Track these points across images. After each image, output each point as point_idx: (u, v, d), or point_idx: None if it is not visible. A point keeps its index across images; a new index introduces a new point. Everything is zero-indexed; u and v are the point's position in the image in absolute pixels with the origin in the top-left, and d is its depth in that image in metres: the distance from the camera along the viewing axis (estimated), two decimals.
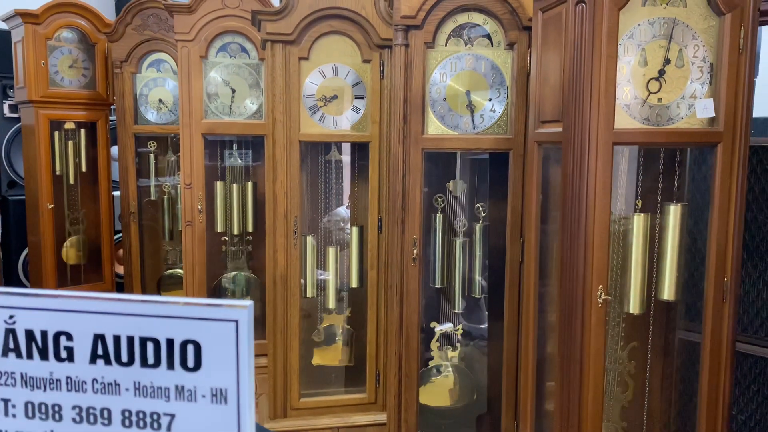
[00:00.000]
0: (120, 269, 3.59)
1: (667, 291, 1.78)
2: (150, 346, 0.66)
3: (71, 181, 3.42)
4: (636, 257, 1.77)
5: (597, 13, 1.55)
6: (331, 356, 2.65)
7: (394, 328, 2.19)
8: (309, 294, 2.55)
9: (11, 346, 0.69)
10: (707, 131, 1.65)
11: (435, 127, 2.09)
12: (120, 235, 3.48)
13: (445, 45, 2.06)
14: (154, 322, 0.65)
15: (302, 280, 2.50)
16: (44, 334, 0.68)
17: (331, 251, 2.56)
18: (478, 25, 2.07)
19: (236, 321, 0.63)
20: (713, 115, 1.64)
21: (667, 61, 1.62)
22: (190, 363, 0.66)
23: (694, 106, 1.64)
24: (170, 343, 0.66)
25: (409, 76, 2.05)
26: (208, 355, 0.65)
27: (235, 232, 2.94)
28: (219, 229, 2.90)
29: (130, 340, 0.66)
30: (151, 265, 3.36)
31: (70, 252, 3.46)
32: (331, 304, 2.60)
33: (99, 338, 0.67)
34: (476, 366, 2.46)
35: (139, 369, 0.67)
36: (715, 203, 1.66)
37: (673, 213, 1.76)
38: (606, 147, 1.59)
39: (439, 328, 2.37)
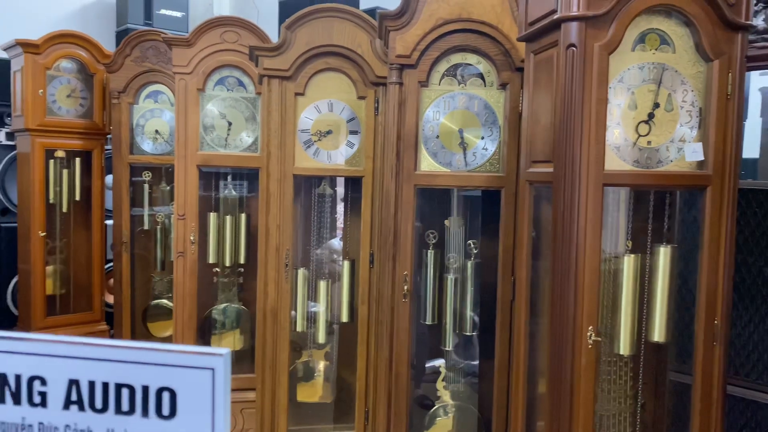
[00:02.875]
0: (110, 299, 3.56)
1: (658, 333, 1.77)
2: (125, 392, 0.65)
3: (64, 210, 3.42)
4: (626, 298, 1.76)
5: (587, 57, 1.58)
6: (311, 392, 2.61)
7: (383, 365, 2.17)
8: (299, 328, 2.54)
9: None
10: (696, 174, 1.66)
11: (428, 164, 2.10)
12: (111, 264, 3.46)
13: (439, 84, 2.09)
14: (130, 368, 0.64)
15: (293, 313, 2.48)
16: (18, 378, 0.67)
17: (322, 285, 2.55)
18: (472, 65, 2.11)
19: (213, 369, 0.62)
20: (702, 158, 1.65)
21: (656, 105, 1.65)
22: (165, 411, 0.65)
23: (684, 150, 1.65)
24: (146, 390, 0.65)
25: (402, 114, 2.07)
26: (183, 403, 0.64)
27: (227, 263, 2.93)
28: (211, 260, 2.89)
29: (105, 386, 0.65)
30: (142, 295, 3.34)
31: (56, 281, 3.43)
32: (321, 338, 2.58)
33: (74, 383, 0.66)
34: (468, 403, 2.43)
35: (114, 416, 0.66)
36: (705, 245, 1.66)
37: (663, 254, 1.77)
38: (596, 188, 1.60)
39: (430, 364, 2.35)
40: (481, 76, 2.11)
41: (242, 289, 3.02)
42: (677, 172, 1.66)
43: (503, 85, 2.10)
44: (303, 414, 2.59)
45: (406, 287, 2.11)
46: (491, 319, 2.21)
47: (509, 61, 2.09)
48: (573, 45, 1.60)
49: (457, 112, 2.10)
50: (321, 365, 2.61)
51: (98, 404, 0.66)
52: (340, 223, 2.70)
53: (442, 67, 2.09)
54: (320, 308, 2.55)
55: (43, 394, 0.67)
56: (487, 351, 2.30)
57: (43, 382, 0.67)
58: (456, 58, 2.09)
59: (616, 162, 1.63)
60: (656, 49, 1.64)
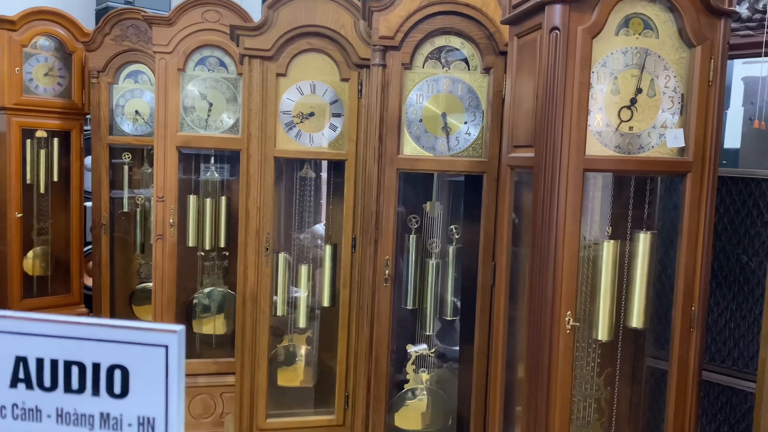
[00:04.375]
0: (89, 281, 3.52)
1: (636, 319, 1.78)
2: (75, 370, 0.63)
3: (41, 191, 3.36)
4: (605, 284, 1.76)
5: (570, 41, 1.57)
6: (292, 377, 2.60)
7: (364, 350, 2.16)
8: (280, 312, 2.52)
9: None
10: (677, 161, 1.66)
11: (410, 148, 2.08)
12: (90, 246, 3.41)
13: (423, 67, 2.07)
14: (80, 345, 0.62)
15: (274, 298, 2.47)
16: None
17: (304, 269, 2.54)
18: (456, 49, 2.09)
19: (166, 346, 0.60)
20: (683, 144, 1.65)
21: (638, 90, 1.64)
22: (117, 389, 0.63)
23: (665, 136, 1.65)
24: (96, 367, 0.63)
25: (386, 97, 2.05)
26: (135, 382, 0.62)
27: (207, 247, 2.90)
28: (191, 243, 2.86)
29: (54, 363, 0.63)
30: (122, 278, 3.30)
31: (35, 262, 3.38)
32: (302, 323, 2.56)
33: (21, 361, 0.64)
34: (448, 388, 2.43)
35: (63, 394, 0.64)
36: (684, 232, 1.67)
37: (643, 241, 1.77)
38: (577, 173, 1.60)
39: (414, 350, 2.35)
40: (465, 60, 2.09)
41: (228, 272, 2.99)
42: (658, 158, 1.66)
43: (487, 69, 2.08)
44: (283, 398, 2.58)
45: (387, 272, 2.10)
46: (472, 303, 2.21)
47: (493, 44, 2.07)
48: (556, 28, 1.58)
49: (440, 96, 2.08)
50: (302, 350, 2.60)
51: (47, 382, 0.64)
52: (324, 207, 2.67)
53: (426, 49, 2.06)
54: (301, 293, 2.53)
55: None
56: (468, 336, 2.30)
57: None
58: (440, 41, 2.06)
59: (597, 147, 1.63)
60: (640, 34, 1.62)
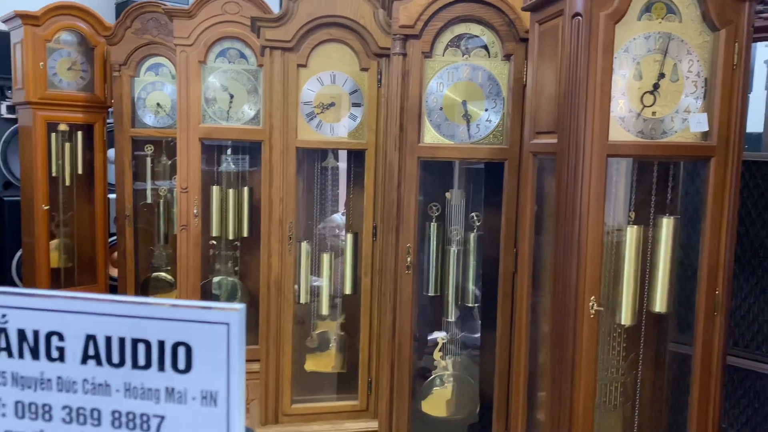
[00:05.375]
0: (114, 272, 3.58)
1: (659, 303, 1.79)
2: (141, 347, 0.67)
3: (67, 183, 3.42)
4: (628, 269, 1.78)
5: (593, 27, 1.57)
6: (324, 362, 2.65)
7: (386, 336, 2.19)
8: (303, 300, 2.55)
9: (3, 345, 0.70)
10: (701, 145, 1.66)
11: (431, 136, 2.10)
12: (114, 237, 3.47)
13: (443, 55, 2.08)
14: (146, 323, 0.65)
15: (296, 286, 2.50)
16: (36, 333, 0.69)
17: (326, 257, 2.57)
18: (476, 36, 2.09)
19: (227, 324, 0.64)
20: (707, 129, 1.65)
21: (661, 75, 1.64)
22: (181, 365, 0.67)
23: (688, 120, 1.65)
24: (161, 344, 0.66)
25: (406, 85, 2.06)
26: (198, 358, 0.66)
27: (230, 236, 2.94)
28: (214, 233, 2.90)
29: (122, 341, 0.67)
30: (145, 268, 3.35)
31: (60, 254, 3.45)
32: (325, 310, 2.60)
33: (91, 339, 0.67)
34: (469, 375, 2.46)
35: (130, 370, 0.68)
36: (708, 217, 1.67)
37: (666, 226, 1.77)
38: (600, 159, 1.60)
39: (440, 336, 2.37)
40: (485, 47, 2.09)
41: (239, 262, 3.03)
42: (681, 142, 1.66)
43: (507, 56, 2.08)
44: (306, 384, 2.62)
45: (409, 259, 2.12)
46: (493, 291, 2.23)
47: (513, 31, 2.07)
48: (578, 14, 1.59)
49: (460, 84, 2.09)
50: (334, 336, 2.64)
51: (115, 359, 0.68)
52: (343, 197, 2.70)
53: (446, 37, 2.07)
54: (323, 281, 2.57)
55: (60, 350, 0.69)
56: (489, 322, 2.32)
57: (61, 337, 0.68)
58: (460, 29, 2.07)
59: (620, 133, 1.63)
60: (662, 19, 1.62)
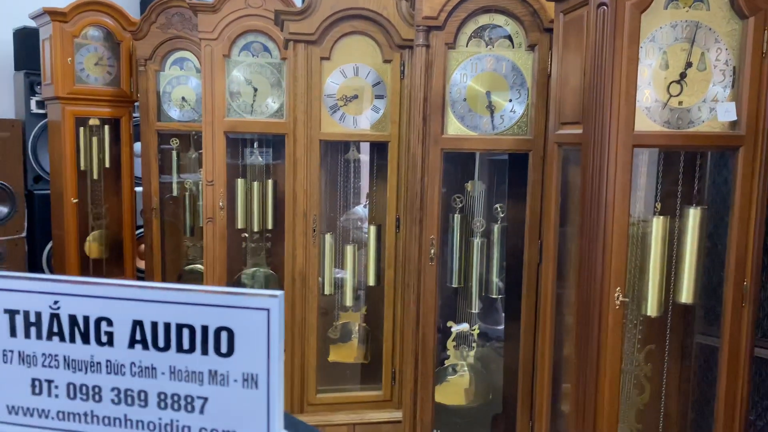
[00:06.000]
0: (141, 264, 3.65)
1: (685, 294, 1.78)
2: (186, 332, 0.70)
3: (95, 177, 3.49)
4: (654, 260, 1.77)
5: (618, 16, 1.56)
6: (347, 353, 2.67)
7: (410, 327, 2.21)
8: (327, 291, 2.58)
9: (55, 330, 0.73)
10: (729, 135, 1.65)
11: (454, 128, 2.10)
12: (141, 230, 3.53)
13: (466, 46, 2.08)
14: (190, 309, 0.68)
15: (320, 278, 2.53)
16: (86, 319, 0.72)
17: (349, 249, 2.59)
18: (500, 27, 2.09)
19: (268, 309, 0.66)
20: (735, 118, 1.63)
21: (689, 65, 1.62)
22: (224, 349, 0.69)
23: (716, 110, 1.64)
24: (205, 330, 0.69)
25: (429, 77, 2.06)
26: (240, 342, 0.68)
27: (255, 229, 2.97)
28: (239, 225, 2.94)
29: (167, 326, 0.70)
30: (172, 260, 3.41)
31: (92, 246, 3.52)
32: (349, 301, 2.62)
33: (137, 324, 0.70)
34: (492, 366, 2.47)
35: (175, 354, 0.70)
36: (736, 207, 1.65)
37: (693, 216, 1.76)
38: (626, 149, 1.60)
39: (456, 328, 2.38)
40: (509, 37, 2.09)
41: (270, 253, 3.07)
42: (709, 132, 1.65)
43: (531, 47, 2.08)
44: (330, 375, 2.65)
45: (432, 251, 2.13)
46: (517, 282, 2.23)
47: (537, 21, 2.06)
48: (604, 4, 1.58)
49: (484, 75, 2.08)
50: (357, 327, 2.66)
51: (161, 343, 0.71)
52: (365, 189, 2.71)
53: (470, 28, 2.07)
54: (347, 272, 2.59)
55: (109, 334, 0.72)
56: (513, 314, 2.33)
57: (110, 323, 0.72)
58: (483, 20, 2.07)
59: (646, 123, 1.62)
60: (690, 7, 1.61)
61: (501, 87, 2.09)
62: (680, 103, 1.63)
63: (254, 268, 3.04)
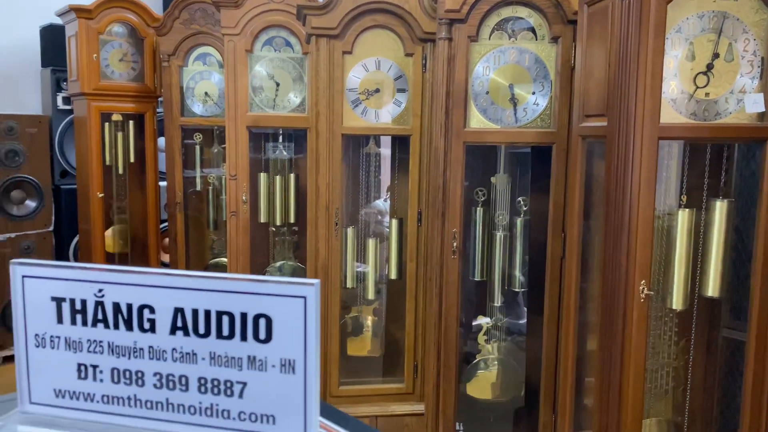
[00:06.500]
0: (165, 257, 3.70)
1: (712, 288, 1.76)
2: (225, 319, 0.72)
3: (120, 171, 3.54)
4: (680, 253, 1.75)
5: (644, 7, 1.55)
6: (360, 346, 2.69)
7: (433, 320, 2.22)
8: (349, 285, 2.60)
9: (100, 317, 0.76)
10: (756, 126, 1.63)
11: (477, 121, 2.10)
12: (166, 224, 3.58)
13: (489, 38, 2.07)
14: (229, 297, 0.70)
15: (342, 271, 2.55)
16: (129, 306, 0.75)
17: (371, 243, 2.60)
18: (522, 19, 2.08)
19: (305, 297, 0.67)
20: (763, 109, 1.62)
21: (716, 56, 1.61)
22: (262, 335, 0.71)
23: (744, 101, 1.62)
24: (244, 316, 0.71)
25: (452, 70, 2.06)
26: (278, 328, 0.70)
27: (278, 222, 3.00)
28: (262, 219, 2.96)
29: (207, 313, 0.72)
30: (196, 253, 3.45)
31: (115, 240, 3.58)
32: (371, 295, 2.64)
33: (179, 311, 0.73)
34: (514, 359, 2.47)
35: (215, 340, 0.73)
36: (764, 199, 1.64)
37: (719, 209, 1.74)
38: (651, 142, 1.59)
39: (485, 321, 2.39)
40: (532, 29, 2.08)
41: (297, 246, 3.09)
42: (736, 124, 1.63)
43: (555, 39, 2.06)
44: (352, 368, 2.67)
45: (455, 244, 2.14)
46: (540, 276, 2.23)
47: (561, 13, 2.05)
48: None
49: (507, 67, 2.08)
50: (369, 320, 2.68)
51: (201, 330, 0.73)
52: (386, 182, 2.72)
53: (492, 21, 2.06)
54: (369, 266, 2.61)
55: (151, 321, 0.74)
56: (536, 307, 2.32)
57: (152, 310, 0.74)
58: (506, 12, 2.06)
59: (672, 115, 1.61)
60: None
61: (524, 79, 2.09)
62: (707, 94, 1.62)
63: (281, 261, 3.07)
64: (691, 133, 1.65)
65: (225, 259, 3.30)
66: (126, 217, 3.60)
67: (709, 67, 1.61)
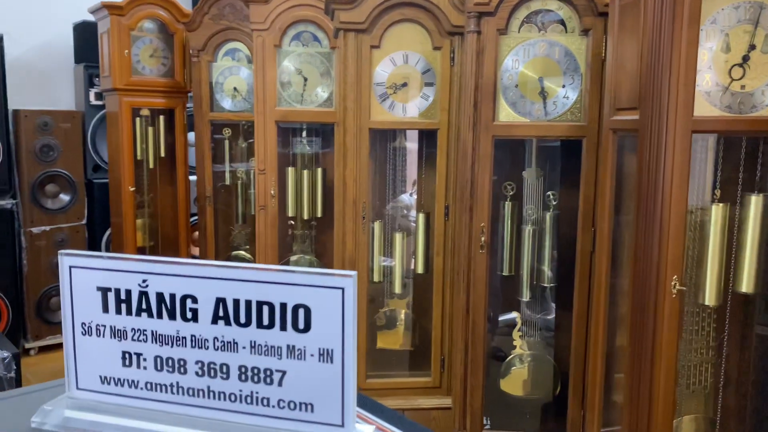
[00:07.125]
0: (195, 251, 3.76)
1: (746, 284, 1.73)
2: (265, 309, 0.73)
3: (151, 166, 3.60)
4: (713, 248, 1.73)
5: None
6: (393, 340, 2.70)
7: (460, 315, 2.22)
8: (376, 279, 2.61)
9: (144, 306, 0.78)
10: None
11: (506, 114, 2.09)
12: (196, 217, 3.63)
13: (518, 31, 2.06)
14: (269, 288, 0.72)
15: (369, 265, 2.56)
16: (172, 296, 0.77)
17: (398, 237, 2.61)
18: (552, 11, 2.06)
19: (343, 288, 0.69)
20: None
21: (752, 47, 1.57)
22: (301, 325, 0.73)
23: None
24: (283, 307, 0.73)
25: (480, 63, 2.06)
26: (317, 319, 0.72)
27: (305, 216, 3.03)
28: (290, 213, 2.99)
29: (248, 303, 0.74)
30: (225, 247, 3.50)
31: (145, 233, 3.65)
32: (397, 289, 2.65)
33: (221, 301, 0.75)
34: (543, 355, 2.46)
35: (255, 330, 0.74)
36: None
37: (755, 203, 1.71)
38: (684, 135, 1.56)
39: (509, 317, 2.38)
40: (562, 22, 2.06)
41: (316, 241, 3.11)
42: None
43: (585, 31, 2.04)
44: (379, 361, 2.69)
45: (483, 238, 2.13)
46: (569, 270, 2.21)
47: (591, 5, 2.02)
48: None
49: (537, 60, 2.06)
50: (402, 314, 2.69)
51: (242, 319, 0.75)
52: (412, 177, 2.72)
53: (522, 13, 2.05)
54: (395, 260, 2.61)
55: (194, 311, 0.76)
56: (564, 302, 2.31)
57: (194, 300, 0.76)
58: (536, 4, 2.05)
59: (706, 108, 1.58)
60: None
61: (554, 72, 2.07)
62: (742, 87, 1.58)
63: (299, 255, 3.09)
64: (725, 126, 1.62)
65: (243, 252, 3.34)
66: (154, 211, 3.66)
67: (745, 58, 1.58)
